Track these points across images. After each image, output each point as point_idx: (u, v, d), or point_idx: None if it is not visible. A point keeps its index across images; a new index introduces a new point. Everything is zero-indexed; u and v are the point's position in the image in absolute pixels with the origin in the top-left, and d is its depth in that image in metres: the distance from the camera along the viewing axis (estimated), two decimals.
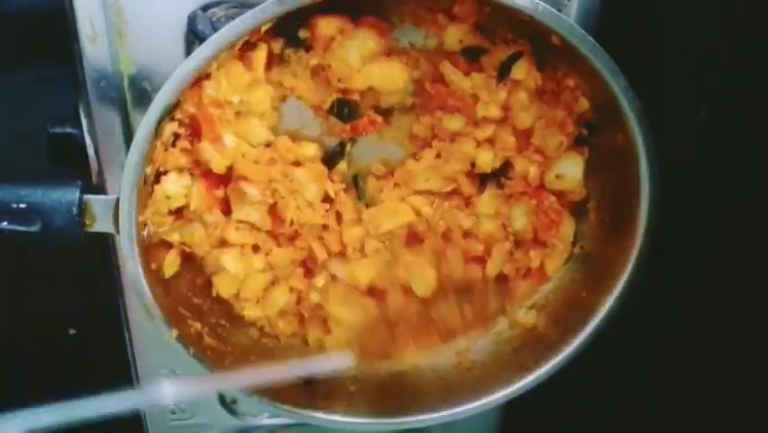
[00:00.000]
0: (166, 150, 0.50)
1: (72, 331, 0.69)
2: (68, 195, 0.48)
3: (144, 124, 0.46)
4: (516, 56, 0.52)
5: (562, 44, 0.48)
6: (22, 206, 0.48)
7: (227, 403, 0.67)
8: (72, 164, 0.55)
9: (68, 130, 0.54)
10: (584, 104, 0.53)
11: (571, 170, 0.55)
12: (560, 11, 0.50)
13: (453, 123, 0.54)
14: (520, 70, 0.52)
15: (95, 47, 0.50)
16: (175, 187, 0.51)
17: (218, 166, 0.51)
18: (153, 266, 0.52)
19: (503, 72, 0.52)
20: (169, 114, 0.47)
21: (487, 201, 0.57)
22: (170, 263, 0.54)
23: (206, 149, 0.50)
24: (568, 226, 0.57)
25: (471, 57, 0.53)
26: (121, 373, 0.65)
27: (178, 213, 0.53)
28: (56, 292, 0.66)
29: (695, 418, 0.59)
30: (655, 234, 0.53)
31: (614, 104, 0.50)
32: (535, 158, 0.55)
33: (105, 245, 0.58)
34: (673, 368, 0.61)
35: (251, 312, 0.57)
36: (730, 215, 0.54)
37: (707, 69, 0.51)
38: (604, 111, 0.52)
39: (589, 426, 0.70)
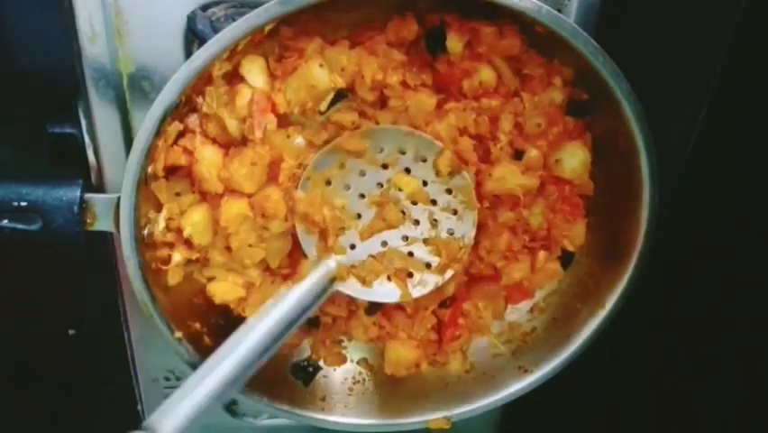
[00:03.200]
0: (171, 146, 0.50)
1: (71, 331, 0.69)
2: (68, 193, 0.48)
3: (146, 123, 0.46)
4: (440, 27, 0.51)
5: (551, 35, 0.48)
6: (23, 204, 0.48)
7: (227, 404, 0.67)
8: (71, 164, 0.55)
9: (68, 129, 0.54)
10: (568, 73, 0.52)
11: (570, 160, 0.54)
12: (560, 11, 0.50)
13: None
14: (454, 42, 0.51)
15: (94, 46, 0.50)
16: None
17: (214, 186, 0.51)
18: (153, 266, 0.52)
19: (433, 44, 0.52)
20: (171, 113, 0.47)
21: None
22: (173, 273, 0.54)
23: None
24: (580, 227, 0.57)
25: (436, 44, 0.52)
26: (120, 374, 0.65)
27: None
28: (55, 292, 0.65)
29: (692, 419, 0.59)
30: (655, 236, 0.53)
31: (615, 106, 0.50)
32: (540, 143, 0.54)
33: (105, 245, 0.58)
34: (672, 370, 0.61)
35: (251, 311, 0.56)
36: (728, 216, 0.54)
37: (706, 69, 0.51)
38: (603, 112, 0.52)
39: (587, 426, 0.70)
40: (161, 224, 0.51)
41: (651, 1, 0.53)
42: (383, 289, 0.56)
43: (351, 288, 0.55)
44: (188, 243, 0.52)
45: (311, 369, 0.61)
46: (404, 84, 0.52)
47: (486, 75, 0.52)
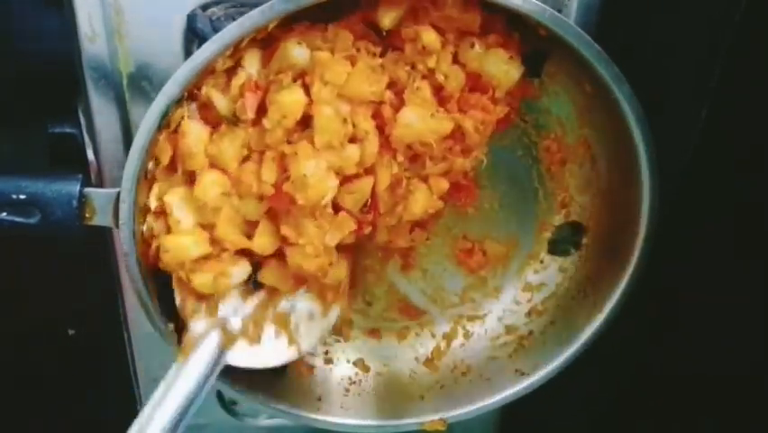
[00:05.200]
0: (174, 133, 0.50)
1: (71, 332, 0.69)
2: (68, 187, 0.48)
3: (148, 117, 0.46)
4: None
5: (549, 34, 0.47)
6: (22, 197, 0.48)
7: (226, 404, 0.67)
8: (71, 164, 0.55)
9: (68, 129, 0.55)
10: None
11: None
12: (560, 11, 0.49)
13: None
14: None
15: (94, 46, 0.50)
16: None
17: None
18: (151, 261, 0.52)
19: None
20: (173, 107, 0.47)
21: None
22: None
23: None
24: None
25: None
26: (120, 374, 0.66)
27: None
28: (54, 293, 0.66)
29: (693, 418, 0.59)
30: (654, 241, 0.53)
31: (616, 107, 0.49)
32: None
33: (104, 245, 0.58)
34: (672, 370, 0.61)
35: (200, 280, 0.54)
36: (728, 215, 0.54)
37: (706, 69, 0.51)
38: (603, 113, 0.52)
39: (588, 427, 0.70)
40: (153, 202, 0.51)
41: (651, 1, 0.53)
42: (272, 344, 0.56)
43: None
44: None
45: None
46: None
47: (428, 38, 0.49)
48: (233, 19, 0.46)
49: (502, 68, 0.50)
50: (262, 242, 0.52)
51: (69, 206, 0.48)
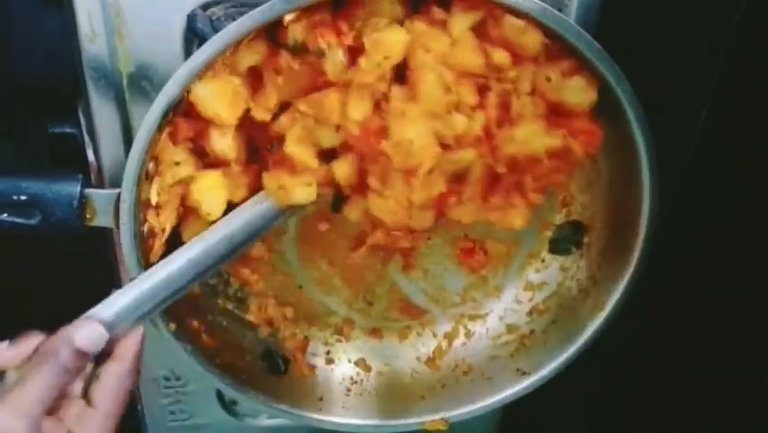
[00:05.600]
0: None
1: None
2: (68, 188, 0.48)
3: (148, 118, 0.46)
4: None
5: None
6: (23, 198, 0.48)
7: (226, 404, 0.67)
8: (71, 164, 0.55)
9: (68, 129, 0.54)
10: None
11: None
12: (560, 10, 0.49)
13: None
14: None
15: (94, 46, 0.50)
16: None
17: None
18: (152, 260, 0.52)
19: None
20: (173, 107, 0.47)
21: None
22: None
23: None
24: None
25: None
26: None
27: None
28: (55, 293, 0.66)
29: (693, 418, 0.59)
30: (654, 241, 0.53)
31: (616, 107, 0.49)
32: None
33: (104, 245, 0.58)
34: (672, 370, 0.61)
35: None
36: (728, 216, 0.54)
37: (706, 69, 0.51)
38: (604, 113, 0.52)
39: (589, 426, 0.70)
40: (154, 197, 0.51)
41: (651, 1, 0.53)
42: None
43: None
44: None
45: (280, 360, 0.61)
46: None
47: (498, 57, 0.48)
48: (233, 19, 0.46)
49: (581, 95, 0.49)
50: (343, 169, 0.51)
51: (70, 207, 0.48)
